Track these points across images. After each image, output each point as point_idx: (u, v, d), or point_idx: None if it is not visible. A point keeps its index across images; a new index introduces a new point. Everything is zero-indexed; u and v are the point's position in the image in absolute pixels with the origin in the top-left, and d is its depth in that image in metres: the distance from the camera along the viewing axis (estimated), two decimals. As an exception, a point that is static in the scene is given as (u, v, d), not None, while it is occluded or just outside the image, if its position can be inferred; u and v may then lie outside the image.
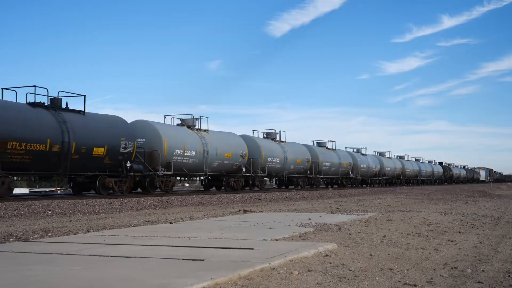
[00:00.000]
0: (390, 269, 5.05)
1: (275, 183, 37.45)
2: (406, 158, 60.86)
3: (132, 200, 17.00)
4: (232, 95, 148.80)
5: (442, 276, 4.81)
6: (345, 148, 45.74)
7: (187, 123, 25.75)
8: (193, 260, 5.07)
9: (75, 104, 23.83)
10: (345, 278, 4.59)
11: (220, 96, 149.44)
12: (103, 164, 19.45)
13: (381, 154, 52.71)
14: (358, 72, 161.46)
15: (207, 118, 26.38)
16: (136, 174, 21.01)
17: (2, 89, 18.11)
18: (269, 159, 31.02)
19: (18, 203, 14.33)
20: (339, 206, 15.09)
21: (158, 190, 23.05)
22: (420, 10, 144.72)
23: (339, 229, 8.43)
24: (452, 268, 5.20)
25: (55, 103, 18.42)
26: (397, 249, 6.36)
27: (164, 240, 6.73)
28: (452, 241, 7.27)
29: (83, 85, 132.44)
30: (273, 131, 33.54)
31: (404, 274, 4.85)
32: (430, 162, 70.34)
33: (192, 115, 26.03)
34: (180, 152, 23.55)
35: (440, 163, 75.22)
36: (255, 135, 32.07)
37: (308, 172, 35.94)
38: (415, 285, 4.41)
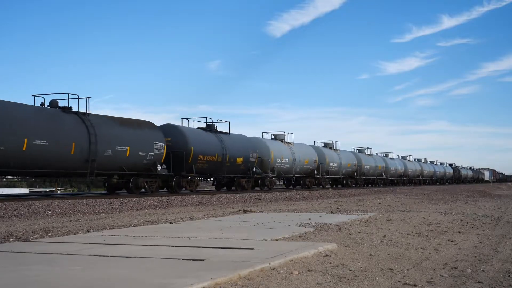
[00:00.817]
0: (390, 269, 5.05)
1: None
2: (422, 160, 67.17)
3: (132, 200, 17.00)
4: (232, 95, 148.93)
5: (442, 276, 4.82)
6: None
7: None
8: (193, 260, 5.07)
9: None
10: (345, 278, 4.59)
11: (220, 96, 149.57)
12: (240, 169, 28.24)
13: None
14: (358, 72, 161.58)
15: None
16: (256, 176, 29.58)
17: (184, 119, 25.25)
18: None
19: (18, 203, 14.33)
20: (339, 206, 15.09)
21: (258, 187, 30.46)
22: (420, 10, 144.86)
23: (339, 229, 8.43)
24: (452, 268, 5.20)
25: (213, 127, 27.13)
26: (397, 249, 6.36)
27: (164, 240, 6.73)
28: (452, 241, 7.27)
29: (83, 85, 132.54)
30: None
31: (404, 274, 4.85)
32: (442, 163, 78.45)
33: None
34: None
35: (450, 165, 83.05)
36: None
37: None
38: (415, 285, 4.41)
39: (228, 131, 28.05)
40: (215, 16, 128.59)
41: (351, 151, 45.98)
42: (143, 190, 21.83)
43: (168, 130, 23.77)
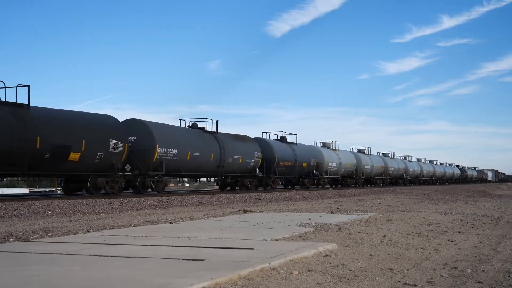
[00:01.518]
0: (390, 269, 5.05)
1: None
2: (422, 161, 70.31)
3: (132, 200, 17.00)
4: (232, 95, 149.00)
5: (442, 276, 4.81)
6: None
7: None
8: (193, 260, 5.07)
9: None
10: (345, 278, 4.59)
11: (220, 96, 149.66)
12: (304, 171, 36.15)
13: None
14: (358, 72, 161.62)
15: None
16: (315, 177, 37.61)
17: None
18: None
19: (18, 203, 14.33)
20: (339, 206, 15.08)
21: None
22: (420, 10, 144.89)
23: (339, 229, 8.42)
24: (452, 268, 5.20)
25: (285, 139, 34.59)
26: (397, 249, 6.36)
27: (164, 240, 6.73)
28: (452, 241, 7.27)
29: (83, 85, 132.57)
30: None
31: (404, 274, 4.85)
32: (450, 165, 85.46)
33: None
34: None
35: (457, 166, 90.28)
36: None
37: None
38: (415, 285, 4.41)
39: (295, 142, 35.65)
40: (215, 16, 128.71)
41: (378, 155, 52.88)
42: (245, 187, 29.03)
43: (261, 142, 31.33)
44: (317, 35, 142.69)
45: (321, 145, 41.89)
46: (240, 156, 28.29)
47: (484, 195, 29.00)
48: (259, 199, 20.80)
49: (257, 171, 30.17)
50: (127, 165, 21.37)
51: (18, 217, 11.78)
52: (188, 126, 26.81)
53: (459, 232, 8.42)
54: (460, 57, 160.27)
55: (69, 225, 9.42)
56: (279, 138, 34.58)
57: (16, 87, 17.35)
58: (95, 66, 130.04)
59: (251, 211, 12.82)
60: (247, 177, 29.42)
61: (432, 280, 4.63)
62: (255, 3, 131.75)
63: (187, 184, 42.87)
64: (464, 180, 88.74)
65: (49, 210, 13.24)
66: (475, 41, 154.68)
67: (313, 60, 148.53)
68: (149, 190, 22.95)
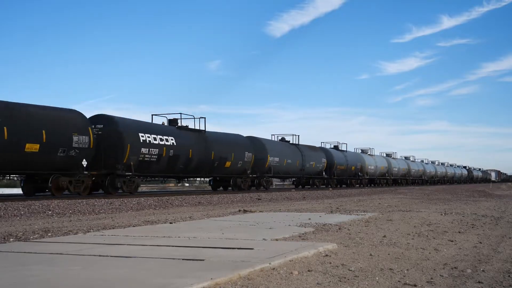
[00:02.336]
0: (390, 269, 5.05)
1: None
2: (436, 163, 76.51)
3: (132, 200, 17.00)
4: (232, 95, 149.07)
5: (442, 276, 4.81)
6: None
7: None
8: (193, 260, 5.07)
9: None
10: (345, 278, 4.59)
11: (220, 96, 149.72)
12: (352, 173, 43.90)
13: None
14: (358, 72, 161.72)
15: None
16: (360, 178, 44.45)
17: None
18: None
19: (18, 203, 14.33)
20: (339, 206, 15.08)
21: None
22: (420, 10, 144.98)
23: (339, 229, 8.42)
24: (452, 268, 5.20)
25: (337, 147, 43.91)
26: (397, 249, 6.36)
27: (164, 240, 6.73)
28: (452, 241, 7.27)
29: (83, 85, 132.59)
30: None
31: (404, 274, 4.85)
32: (459, 166, 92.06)
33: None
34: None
35: (464, 167, 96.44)
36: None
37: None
38: (415, 285, 4.41)
39: (346, 149, 44.39)
40: (215, 16, 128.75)
41: (402, 159, 59.46)
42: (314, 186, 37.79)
43: (325, 151, 40.16)
44: (317, 35, 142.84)
45: (360, 151, 49.48)
46: (314, 162, 37.27)
47: (484, 195, 29.00)
48: (259, 199, 20.80)
49: (324, 173, 38.83)
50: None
51: (18, 217, 11.78)
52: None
53: (459, 232, 8.42)
54: (460, 57, 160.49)
55: (69, 225, 9.42)
56: (333, 147, 43.81)
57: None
58: (95, 66, 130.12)
59: (251, 211, 12.81)
60: (317, 178, 38.50)
61: (432, 280, 4.63)
62: (255, 3, 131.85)
63: (187, 184, 43.19)
64: (470, 180, 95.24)
65: (49, 210, 13.24)
66: (475, 41, 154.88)
67: (313, 60, 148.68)
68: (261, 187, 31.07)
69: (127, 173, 21.14)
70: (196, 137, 25.20)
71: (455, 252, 6.29)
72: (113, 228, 8.68)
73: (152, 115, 25.07)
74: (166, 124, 25.02)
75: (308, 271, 4.81)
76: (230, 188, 28.92)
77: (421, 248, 6.49)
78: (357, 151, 48.76)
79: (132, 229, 8.35)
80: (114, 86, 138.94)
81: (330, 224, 9.15)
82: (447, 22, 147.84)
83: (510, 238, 7.84)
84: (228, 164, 26.92)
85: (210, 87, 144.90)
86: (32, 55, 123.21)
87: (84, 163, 19.24)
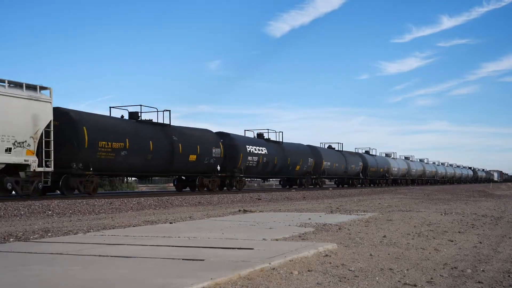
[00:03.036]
0: (390, 269, 5.05)
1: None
2: (445, 164, 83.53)
3: (132, 200, 17.01)
4: (232, 95, 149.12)
5: (442, 276, 4.81)
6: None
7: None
8: (193, 260, 5.07)
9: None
10: (345, 278, 4.59)
11: (220, 96, 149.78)
12: (381, 174, 52.06)
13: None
14: (358, 72, 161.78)
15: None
16: (387, 178, 52.87)
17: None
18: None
19: (18, 203, 14.33)
20: (339, 206, 15.08)
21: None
22: (420, 10, 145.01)
23: (339, 229, 8.42)
24: (452, 268, 5.20)
25: (368, 152, 52.24)
26: (397, 249, 6.36)
27: (164, 240, 6.73)
28: (452, 241, 7.27)
29: (83, 85, 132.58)
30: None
31: (404, 274, 4.85)
32: (465, 167, 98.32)
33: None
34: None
35: (470, 168, 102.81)
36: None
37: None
38: (415, 285, 4.41)
39: (375, 154, 51.80)
40: (215, 16, 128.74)
41: (418, 161, 68.00)
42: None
43: (362, 155, 48.25)
44: (317, 35, 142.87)
45: (384, 154, 56.55)
46: (354, 165, 45.43)
47: (484, 195, 29.00)
48: (259, 199, 20.80)
49: (360, 174, 46.76)
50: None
51: (18, 217, 11.78)
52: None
53: (459, 232, 8.42)
54: (460, 57, 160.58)
55: (69, 225, 9.42)
56: (365, 152, 51.44)
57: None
58: (95, 66, 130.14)
59: (251, 211, 12.82)
60: (355, 178, 46.64)
61: (432, 280, 4.63)
62: (255, 3, 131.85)
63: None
64: (475, 180, 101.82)
65: (49, 210, 13.24)
66: (474, 41, 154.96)
67: (313, 60, 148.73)
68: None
69: (240, 175, 29.08)
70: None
71: (455, 252, 6.29)
72: (113, 228, 8.68)
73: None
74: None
75: (308, 271, 4.81)
76: (296, 186, 37.70)
77: (421, 248, 6.49)
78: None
79: (132, 229, 8.35)
80: (114, 86, 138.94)
81: (330, 224, 9.15)
82: (447, 22, 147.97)
83: (510, 238, 7.84)
84: (298, 167, 36.24)
85: (210, 87, 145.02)
86: (32, 55, 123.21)
87: (218, 168, 27.04)
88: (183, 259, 5.11)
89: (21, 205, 13.79)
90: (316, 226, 8.77)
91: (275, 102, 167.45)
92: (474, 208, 15.11)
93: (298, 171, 36.72)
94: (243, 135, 31.98)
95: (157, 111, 24.03)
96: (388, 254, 5.95)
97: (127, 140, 21.20)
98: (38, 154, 16.83)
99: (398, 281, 4.56)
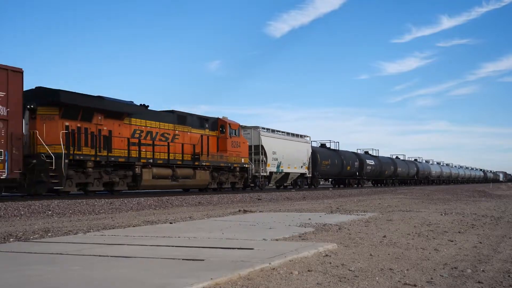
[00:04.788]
0: (390, 269, 5.05)
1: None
2: (458, 166, 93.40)
3: (132, 200, 17.01)
4: (232, 95, 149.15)
5: (442, 276, 4.81)
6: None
7: None
8: (193, 260, 5.07)
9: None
10: (345, 278, 4.59)
11: (220, 96, 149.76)
12: (388, 175, 55.65)
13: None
14: (358, 72, 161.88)
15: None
16: (414, 179, 64.14)
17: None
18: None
19: (18, 203, 14.34)
20: (339, 206, 15.08)
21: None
22: (419, 10, 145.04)
23: (339, 229, 8.42)
24: (452, 268, 5.20)
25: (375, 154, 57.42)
26: (397, 249, 6.36)
27: (164, 240, 6.73)
28: (452, 241, 7.27)
29: (83, 85, 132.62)
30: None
31: (404, 274, 4.85)
32: (477, 169, 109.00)
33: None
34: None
35: (481, 170, 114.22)
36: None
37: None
38: (415, 285, 4.41)
39: (378, 155, 55.23)
40: (215, 16, 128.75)
41: (434, 163, 75.10)
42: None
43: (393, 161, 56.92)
44: (317, 36, 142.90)
45: (395, 157, 60.46)
46: (387, 170, 52.92)
47: (484, 195, 28.99)
48: (259, 199, 20.80)
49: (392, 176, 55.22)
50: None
51: (18, 217, 11.78)
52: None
53: (459, 232, 8.42)
54: (460, 58, 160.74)
55: (69, 225, 9.42)
56: (396, 157, 59.66)
57: None
58: (95, 66, 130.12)
59: (251, 211, 12.81)
60: (388, 178, 54.40)
61: (432, 280, 4.63)
62: (255, 3, 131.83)
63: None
64: (485, 180, 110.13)
65: (49, 210, 13.24)
66: (474, 41, 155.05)
67: (313, 60, 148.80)
68: None
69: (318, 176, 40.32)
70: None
71: (455, 252, 6.29)
72: (113, 228, 8.68)
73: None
74: None
75: (308, 271, 4.81)
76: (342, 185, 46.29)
77: (421, 248, 6.49)
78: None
79: (132, 229, 8.36)
80: (114, 86, 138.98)
81: (330, 224, 9.15)
82: (447, 23, 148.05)
83: (510, 238, 7.84)
84: (348, 168, 44.23)
85: (210, 87, 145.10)
86: (32, 54, 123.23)
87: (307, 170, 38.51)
88: (183, 259, 5.11)
89: (21, 205, 13.79)
90: (316, 226, 8.77)
91: (275, 102, 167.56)
92: (474, 208, 15.11)
93: (349, 171, 44.94)
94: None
95: (330, 142, 41.21)
96: (388, 254, 5.95)
97: (329, 160, 41.10)
98: (308, 168, 36.97)
99: (398, 281, 4.56)
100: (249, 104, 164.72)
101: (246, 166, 28.44)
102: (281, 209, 14.30)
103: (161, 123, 22.88)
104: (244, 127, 29.87)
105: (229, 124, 26.82)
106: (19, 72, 16.89)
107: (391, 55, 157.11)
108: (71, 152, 18.43)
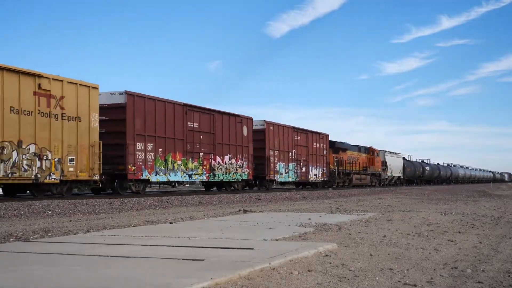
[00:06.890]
0: (390, 269, 5.05)
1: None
2: (469, 168, 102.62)
3: (132, 200, 17.01)
4: (232, 95, 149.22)
5: (442, 276, 4.81)
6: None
7: None
8: (193, 260, 5.07)
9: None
10: (345, 278, 4.59)
11: (220, 96, 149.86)
12: (418, 175, 69.49)
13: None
14: (358, 72, 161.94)
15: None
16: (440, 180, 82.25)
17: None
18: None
19: (18, 203, 14.34)
20: (339, 206, 15.08)
21: None
22: (419, 10, 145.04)
23: (339, 229, 8.42)
24: (452, 268, 5.20)
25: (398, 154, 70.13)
26: (397, 249, 6.36)
27: (164, 240, 6.73)
28: (452, 241, 7.27)
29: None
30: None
31: (404, 274, 4.85)
32: (486, 170, 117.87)
33: None
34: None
35: (490, 171, 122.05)
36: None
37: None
38: (415, 285, 4.41)
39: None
40: (215, 16, 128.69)
41: (443, 165, 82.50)
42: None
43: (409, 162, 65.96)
44: (317, 36, 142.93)
45: (421, 161, 68.99)
46: (411, 170, 62.26)
47: (484, 195, 29.00)
48: (259, 199, 20.80)
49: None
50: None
51: (18, 217, 11.78)
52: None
53: (459, 232, 8.42)
54: (460, 58, 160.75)
55: (69, 225, 9.43)
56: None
57: None
58: (95, 66, 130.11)
59: (251, 211, 12.82)
60: (417, 178, 63.72)
61: (432, 280, 4.63)
62: (255, 3, 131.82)
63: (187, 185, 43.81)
64: (494, 180, 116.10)
65: (49, 210, 13.24)
66: (474, 41, 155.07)
67: (313, 60, 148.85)
68: None
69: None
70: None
71: (455, 252, 6.29)
72: (113, 228, 8.68)
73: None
74: None
75: (308, 271, 4.81)
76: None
77: (421, 248, 6.49)
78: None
79: (132, 229, 8.36)
80: (114, 86, 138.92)
81: (330, 224, 9.16)
82: (446, 23, 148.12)
83: (510, 238, 7.84)
84: None
85: (210, 87, 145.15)
86: (32, 53, 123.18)
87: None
88: (183, 259, 5.11)
89: (21, 205, 13.79)
90: (316, 226, 8.77)
91: (275, 102, 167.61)
92: (474, 208, 15.11)
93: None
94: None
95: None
96: (388, 254, 5.95)
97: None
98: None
99: (398, 281, 4.56)
100: (249, 104, 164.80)
101: (380, 173, 51.61)
102: (281, 209, 14.30)
103: (353, 152, 45.11)
104: (379, 151, 51.54)
105: (374, 150, 49.65)
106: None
107: (391, 55, 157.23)
108: None
